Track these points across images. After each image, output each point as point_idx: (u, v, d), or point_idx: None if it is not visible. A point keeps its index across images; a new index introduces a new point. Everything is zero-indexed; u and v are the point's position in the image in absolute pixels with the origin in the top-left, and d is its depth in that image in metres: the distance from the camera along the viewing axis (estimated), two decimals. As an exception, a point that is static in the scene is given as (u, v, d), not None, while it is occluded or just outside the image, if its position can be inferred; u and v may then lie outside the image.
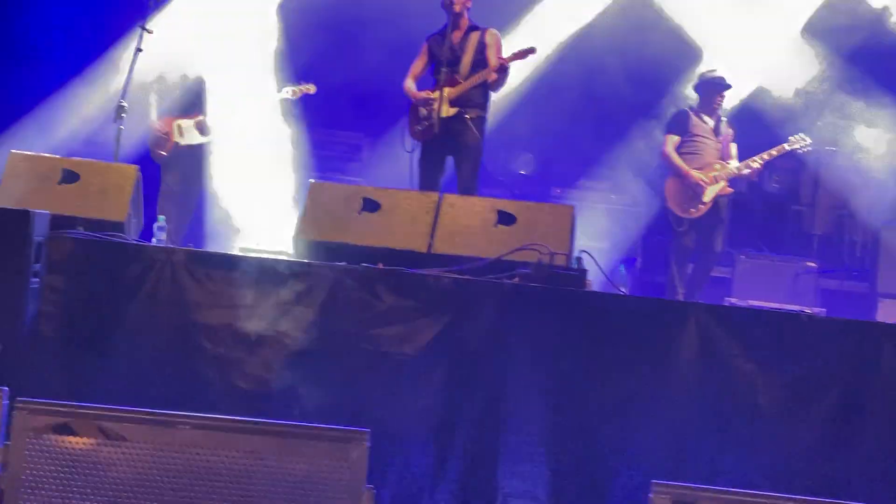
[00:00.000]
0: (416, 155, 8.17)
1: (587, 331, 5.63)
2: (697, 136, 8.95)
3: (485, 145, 8.15)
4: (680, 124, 9.03)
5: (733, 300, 9.39)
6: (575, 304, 5.70)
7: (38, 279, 5.64)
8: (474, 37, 8.06)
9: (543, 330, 5.63)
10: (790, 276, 9.70)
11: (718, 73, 9.21)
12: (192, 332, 5.72)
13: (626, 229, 10.53)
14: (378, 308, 5.73)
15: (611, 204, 10.77)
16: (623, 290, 6.98)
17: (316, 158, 10.79)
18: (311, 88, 9.25)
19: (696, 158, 8.90)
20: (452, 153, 7.96)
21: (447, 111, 7.87)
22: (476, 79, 7.89)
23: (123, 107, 7.62)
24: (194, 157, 9.16)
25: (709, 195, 8.78)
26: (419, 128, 8.05)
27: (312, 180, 6.81)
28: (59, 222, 5.95)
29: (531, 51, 8.01)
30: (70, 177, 6.45)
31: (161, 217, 6.94)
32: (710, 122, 9.01)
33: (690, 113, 9.05)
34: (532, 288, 5.77)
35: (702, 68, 10.00)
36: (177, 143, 9.01)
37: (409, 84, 8.23)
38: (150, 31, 7.91)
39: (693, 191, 8.79)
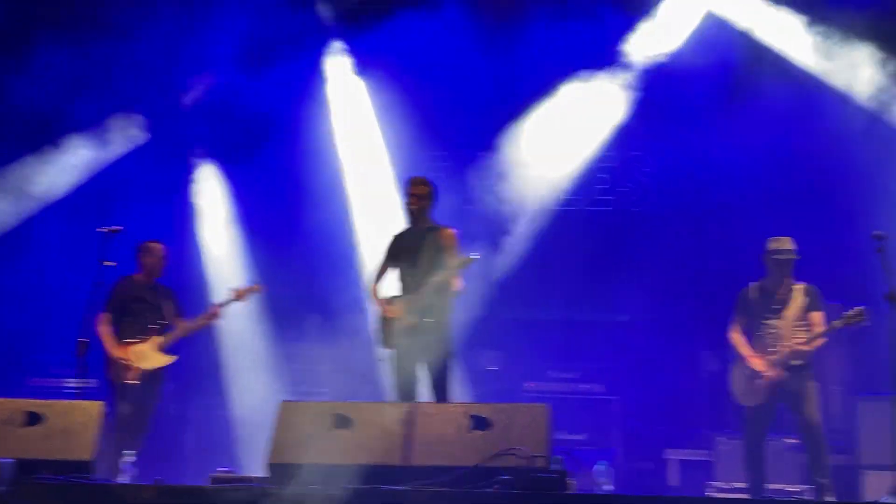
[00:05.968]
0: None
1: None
2: (760, 316, 8.19)
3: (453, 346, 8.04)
4: (739, 307, 8.34)
5: (718, 485, 9.25)
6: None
7: (4, 532, 5.51)
8: (431, 237, 8.06)
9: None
10: (772, 454, 9.55)
11: (784, 243, 8.22)
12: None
13: (601, 418, 10.38)
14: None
15: (584, 394, 10.63)
16: (606, 486, 6.89)
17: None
18: (258, 288, 8.95)
19: (761, 341, 8.17)
20: (423, 359, 7.84)
21: (412, 321, 7.82)
22: (433, 285, 7.79)
23: (85, 343, 7.51)
24: (152, 381, 8.47)
25: (767, 383, 8.06)
26: (390, 338, 7.95)
27: (283, 400, 6.70)
28: (25, 466, 5.89)
29: (474, 259, 7.77)
30: (33, 419, 6.37)
31: (130, 451, 6.81)
32: (779, 296, 8.19)
33: (752, 290, 8.32)
34: (514, 496, 5.65)
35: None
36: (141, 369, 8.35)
37: (375, 290, 8.17)
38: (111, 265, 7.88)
39: (754, 379, 8.13)
